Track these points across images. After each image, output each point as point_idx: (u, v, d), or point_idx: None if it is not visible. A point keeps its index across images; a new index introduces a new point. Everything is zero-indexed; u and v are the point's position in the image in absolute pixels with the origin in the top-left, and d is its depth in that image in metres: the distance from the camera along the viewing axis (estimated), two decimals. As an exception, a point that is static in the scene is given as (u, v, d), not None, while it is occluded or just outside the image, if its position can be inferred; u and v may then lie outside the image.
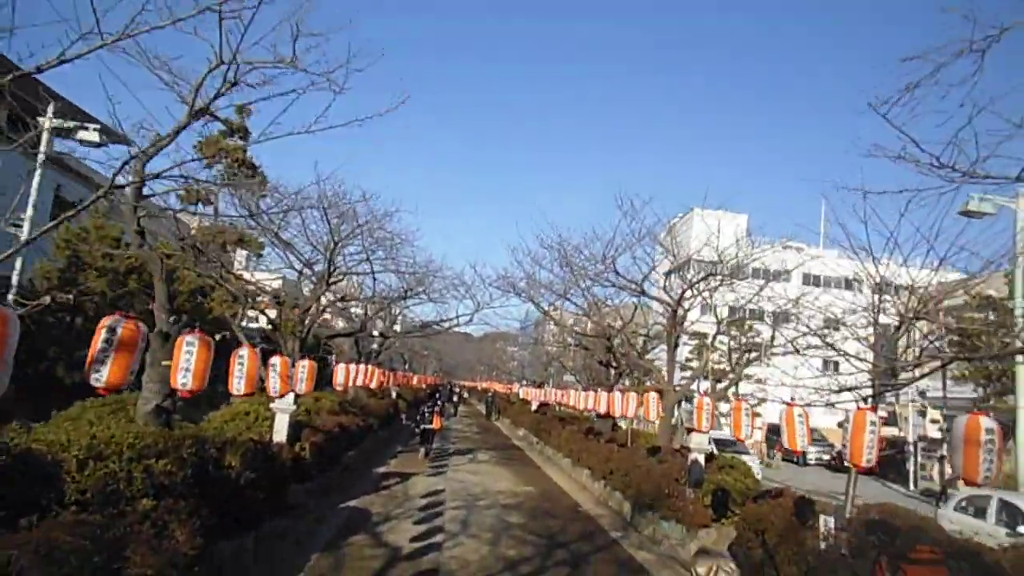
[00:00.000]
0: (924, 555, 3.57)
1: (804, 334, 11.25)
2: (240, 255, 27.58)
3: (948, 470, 22.77)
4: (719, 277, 14.78)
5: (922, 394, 30.18)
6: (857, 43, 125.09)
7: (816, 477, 26.19)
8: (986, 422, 4.80)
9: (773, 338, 13.77)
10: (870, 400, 7.22)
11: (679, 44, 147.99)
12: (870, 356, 8.39)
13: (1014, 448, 16.15)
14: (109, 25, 3.89)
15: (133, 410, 7.39)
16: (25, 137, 4.64)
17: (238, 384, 8.20)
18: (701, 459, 11.06)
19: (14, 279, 15.29)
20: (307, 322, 14.61)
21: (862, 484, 7.59)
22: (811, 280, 38.53)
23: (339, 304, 21.36)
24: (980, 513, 12.33)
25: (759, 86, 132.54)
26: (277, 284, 21.31)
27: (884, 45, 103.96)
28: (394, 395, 30.05)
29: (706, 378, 22.49)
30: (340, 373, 18.43)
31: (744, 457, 16.83)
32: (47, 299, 3.87)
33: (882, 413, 6.81)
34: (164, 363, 6.55)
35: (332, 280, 16.24)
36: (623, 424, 20.31)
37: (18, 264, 15.60)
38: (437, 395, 30.44)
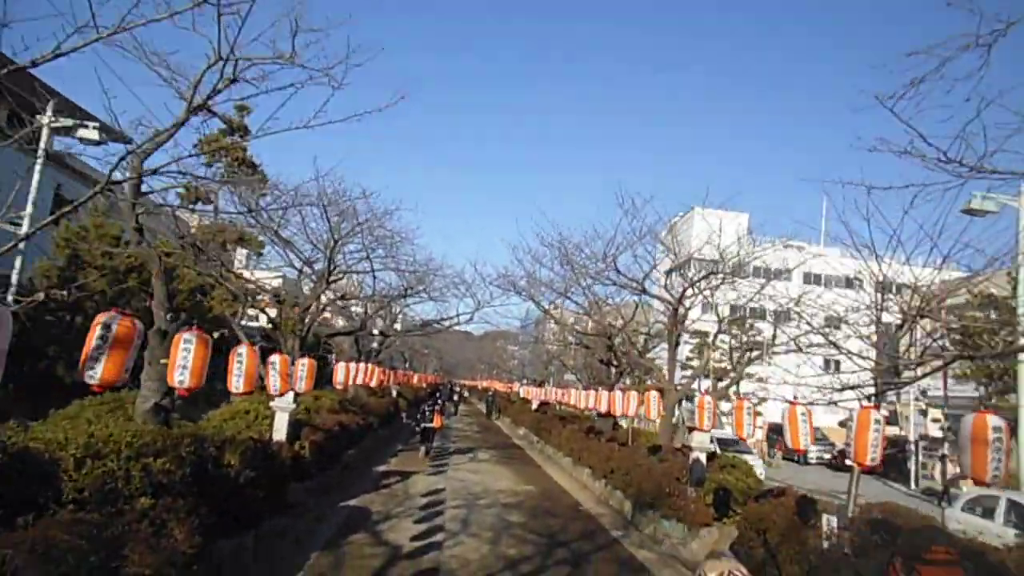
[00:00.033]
0: (939, 556, 3.52)
1: (806, 332, 11.21)
2: (240, 254, 27.56)
3: (950, 469, 22.70)
4: (720, 276, 14.74)
5: (923, 393, 30.13)
6: (857, 42, 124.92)
7: (817, 476, 26.13)
8: (993, 420, 4.75)
9: (775, 337, 13.74)
10: (873, 399, 7.17)
11: (679, 44, 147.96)
12: (872, 354, 8.35)
13: (1015, 447, 16.12)
14: (105, 19, 3.86)
15: (132, 408, 7.36)
16: (21, 133, 4.59)
17: (237, 382, 8.16)
18: (703, 458, 11.02)
19: (14, 278, 15.26)
20: (307, 321, 14.56)
21: (863, 483, 7.56)
22: (812, 279, 38.50)
23: (339, 303, 21.32)
24: (988, 513, 12.22)
25: (759, 85, 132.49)
26: (277, 282, 21.27)
27: (884, 44, 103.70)
28: (394, 394, 30.02)
29: (707, 377, 22.44)
30: (340, 372, 18.40)
31: (747, 457, 16.79)
32: (41, 295, 3.81)
33: (883, 412, 6.74)
34: (162, 361, 6.51)
35: (332, 278, 16.20)
36: (624, 423, 20.27)
37: (18, 263, 15.57)
38: (437, 394, 30.41)
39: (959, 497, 14.46)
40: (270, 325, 15.05)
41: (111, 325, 4.81)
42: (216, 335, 6.51)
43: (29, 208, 14.65)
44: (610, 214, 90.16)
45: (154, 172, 5.73)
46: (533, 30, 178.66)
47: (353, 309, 24.56)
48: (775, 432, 33.31)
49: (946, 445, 27.36)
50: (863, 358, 7.60)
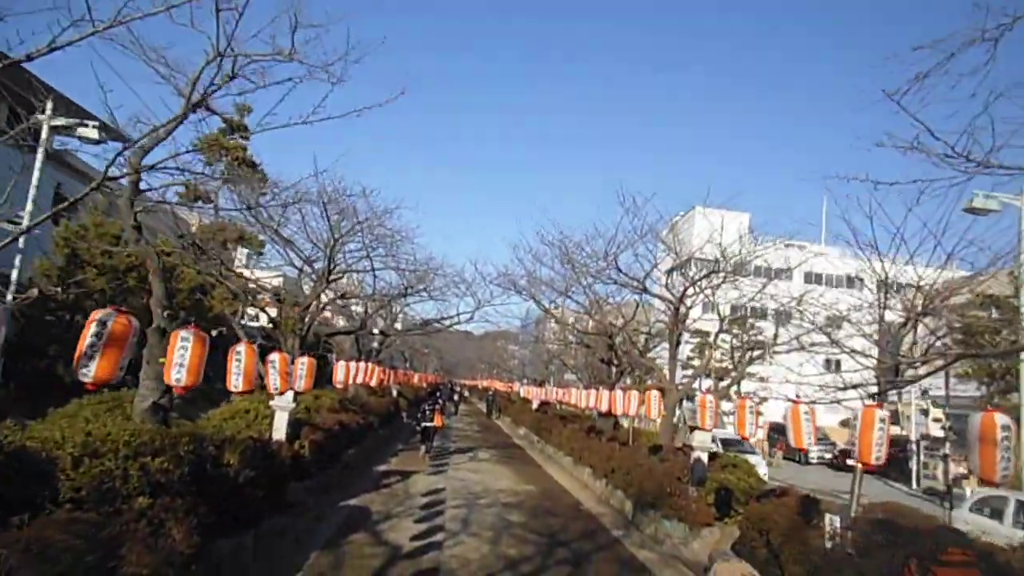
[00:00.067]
0: (955, 557, 3.47)
1: (808, 331, 11.16)
2: (241, 253, 27.54)
3: (953, 469, 22.64)
4: (722, 274, 14.70)
5: (924, 392, 30.06)
6: (857, 42, 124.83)
7: (818, 476, 26.09)
8: (1001, 419, 4.70)
9: (776, 336, 13.69)
10: (876, 398, 7.12)
11: (679, 44, 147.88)
12: (874, 353, 8.30)
13: (1017, 447, 16.04)
14: (101, 12, 3.81)
15: (130, 407, 7.31)
16: (18, 129, 4.55)
17: (236, 381, 8.11)
18: (704, 457, 10.97)
19: (13, 276, 15.23)
20: (307, 320, 14.52)
21: (864, 483, 7.50)
22: (813, 278, 38.47)
23: (339, 302, 21.28)
24: (996, 514, 12.06)
25: (759, 85, 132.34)
26: (277, 282, 21.24)
27: (883, 44, 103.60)
28: (395, 393, 29.98)
29: (708, 376, 22.39)
30: (340, 371, 18.36)
31: (750, 457, 16.72)
32: (35, 291, 3.76)
33: (887, 411, 6.70)
34: (161, 360, 6.46)
35: (332, 277, 16.15)
36: (625, 423, 20.22)
37: (17, 261, 15.54)
38: (438, 393, 30.36)
39: (967, 498, 14.27)
40: (270, 324, 15.02)
41: (106, 322, 4.76)
42: (215, 333, 6.46)
43: (29, 207, 14.62)
44: (610, 214, 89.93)
45: (152, 168, 5.69)
46: (533, 30, 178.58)
47: (353, 308, 24.51)
48: (776, 432, 33.28)
49: (947, 445, 27.31)
50: (866, 356, 7.55)
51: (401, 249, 18.74)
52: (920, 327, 8.86)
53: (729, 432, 22.98)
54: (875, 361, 7.89)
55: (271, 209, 14.05)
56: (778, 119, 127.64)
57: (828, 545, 6.87)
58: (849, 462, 29.39)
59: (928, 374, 8.72)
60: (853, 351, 7.84)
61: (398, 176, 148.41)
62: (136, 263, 17.07)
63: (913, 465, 27.44)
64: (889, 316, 8.91)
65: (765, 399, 27.94)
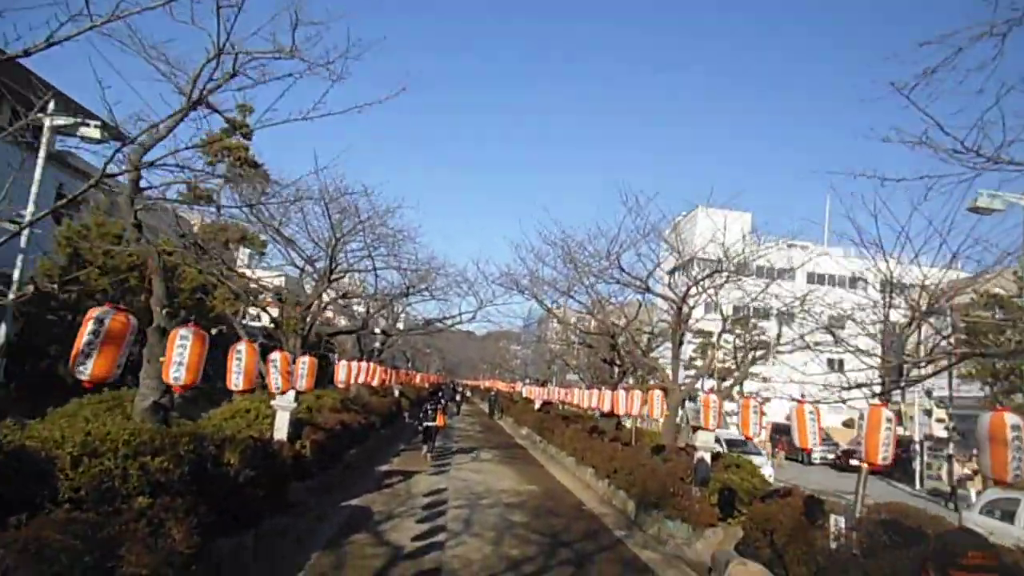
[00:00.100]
0: (975, 561, 3.40)
1: (812, 330, 11.10)
2: (243, 253, 27.54)
3: (957, 470, 22.54)
4: (724, 274, 14.64)
5: (928, 393, 29.96)
6: (857, 41, 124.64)
7: (821, 476, 26.02)
8: (1011, 418, 4.63)
9: (779, 335, 13.63)
10: (880, 397, 7.06)
11: (679, 44, 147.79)
12: (879, 353, 8.24)
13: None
14: (100, 7, 3.78)
15: (130, 407, 7.28)
16: (16, 126, 4.52)
17: (236, 380, 8.07)
18: (707, 457, 10.91)
19: (15, 275, 15.22)
20: (309, 319, 14.49)
21: (867, 483, 7.44)
22: (815, 279, 38.37)
23: (341, 301, 21.24)
24: (1008, 516, 11.79)
25: (759, 85, 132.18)
26: (279, 281, 21.21)
27: (883, 43, 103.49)
28: (397, 393, 29.95)
29: (711, 376, 22.33)
30: (342, 371, 18.33)
31: (756, 458, 16.64)
32: (31, 288, 3.73)
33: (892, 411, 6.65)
34: (161, 359, 6.43)
35: (334, 277, 16.12)
36: (627, 423, 20.16)
37: (19, 261, 15.53)
38: (440, 393, 30.31)
39: (976, 500, 14.02)
40: (272, 324, 14.99)
41: (104, 320, 4.71)
42: (215, 331, 6.42)
43: (31, 207, 14.61)
44: (610, 213, 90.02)
45: (151, 165, 5.65)
46: (533, 30, 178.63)
47: (355, 308, 24.48)
48: (778, 432, 33.18)
49: (951, 445, 27.22)
50: (870, 355, 7.49)
51: (403, 248, 18.73)
52: (924, 327, 8.80)
53: (734, 433, 22.90)
54: (879, 361, 7.82)
55: (272, 208, 14.02)
56: (778, 119, 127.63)
57: (833, 546, 6.81)
58: (852, 462, 29.38)
59: (933, 374, 8.66)
60: (859, 350, 7.77)
61: (398, 176, 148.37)
62: (138, 263, 17.05)
63: (917, 466, 27.35)
64: (893, 316, 8.85)
65: (768, 399, 27.85)
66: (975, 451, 24.06)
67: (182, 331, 5.80)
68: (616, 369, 19.61)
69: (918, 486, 26.51)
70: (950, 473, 23.95)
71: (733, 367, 21.96)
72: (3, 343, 15.21)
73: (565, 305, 23.49)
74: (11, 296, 14.82)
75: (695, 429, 13.54)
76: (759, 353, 16.12)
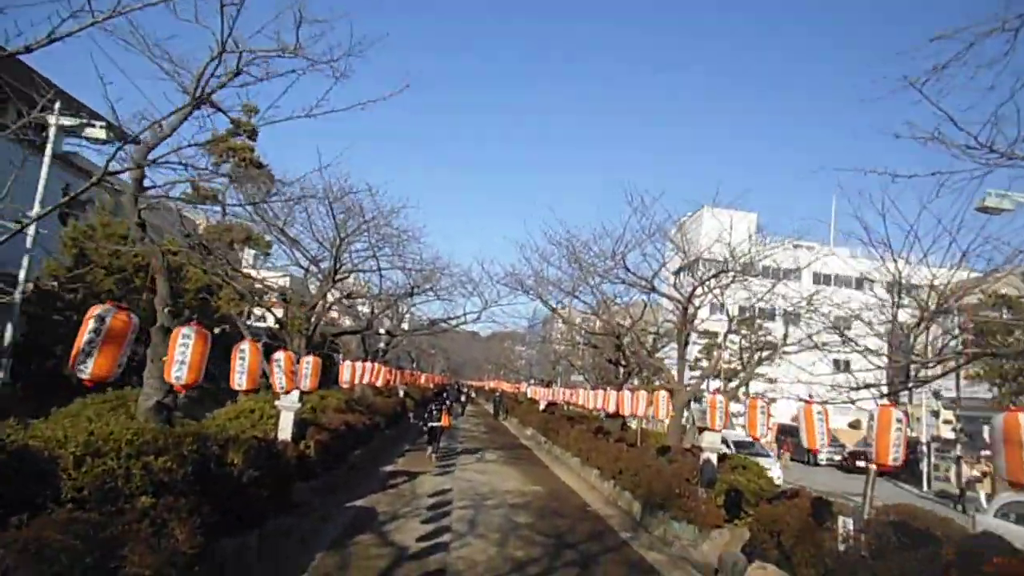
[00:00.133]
0: (1001, 568, 3.32)
1: (819, 331, 11.01)
2: (248, 254, 27.57)
3: (965, 471, 22.34)
4: (731, 274, 14.56)
5: (936, 394, 29.78)
6: (857, 42, 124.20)
7: (828, 477, 25.86)
8: (1027, 419, 4.54)
9: (786, 336, 13.54)
10: (889, 397, 6.98)
11: (679, 44, 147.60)
12: (886, 353, 8.16)
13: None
14: (102, 3, 3.75)
15: (134, 406, 7.26)
16: (18, 124, 4.50)
17: (239, 379, 8.05)
18: (713, 458, 10.83)
19: (21, 276, 15.27)
20: (313, 319, 14.47)
21: (875, 485, 7.35)
22: (821, 279, 38.18)
23: (345, 301, 21.24)
24: (1023, 520, 11.63)
25: (759, 85, 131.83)
26: (283, 282, 21.21)
27: (884, 43, 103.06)
28: (401, 394, 29.93)
29: (717, 377, 22.23)
30: (346, 371, 18.32)
31: (764, 460, 16.51)
32: (30, 285, 3.70)
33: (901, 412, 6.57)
34: (165, 359, 6.40)
35: (338, 277, 16.11)
36: (633, 424, 20.09)
37: (25, 262, 15.59)
38: (445, 394, 30.30)
39: (991, 502, 13.70)
40: (277, 325, 14.99)
41: (105, 318, 4.68)
42: (217, 330, 6.39)
43: (36, 208, 14.64)
44: (611, 213, 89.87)
45: (154, 162, 5.62)
46: (533, 30, 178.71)
47: (360, 308, 24.48)
48: (783, 433, 33.03)
49: (958, 447, 27.02)
50: (879, 355, 7.41)
51: (407, 249, 18.70)
52: (932, 327, 8.71)
53: (741, 434, 22.75)
54: (888, 361, 7.74)
55: (277, 208, 14.01)
56: (778, 119, 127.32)
57: (841, 547, 6.74)
58: (859, 464, 29.21)
59: (943, 374, 8.57)
60: (868, 350, 7.69)
61: (399, 176, 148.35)
62: (143, 263, 17.07)
63: (924, 467, 27.15)
64: (901, 316, 8.77)
65: (773, 400, 27.71)
66: (984, 453, 23.90)
67: (184, 330, 5.77)
68: (621, 370, 19.54)
69: (925, 488, 26.32)
70: (958, 475, 23.75)
71: (739, 368, 21.85)
72: (9, 343, 15.26)
73: (570, 305, 23.45)
74: (17, 295, 14.92)
75: (701, 430, 13.46)
76: (765, 354, 16.01)
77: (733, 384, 15.92)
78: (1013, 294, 21.15)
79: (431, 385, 48.68)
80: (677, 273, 16.88)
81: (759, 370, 21.38)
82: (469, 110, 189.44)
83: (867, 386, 7.67)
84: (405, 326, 30.62)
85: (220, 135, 24.72)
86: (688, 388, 15.21)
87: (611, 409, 18.11)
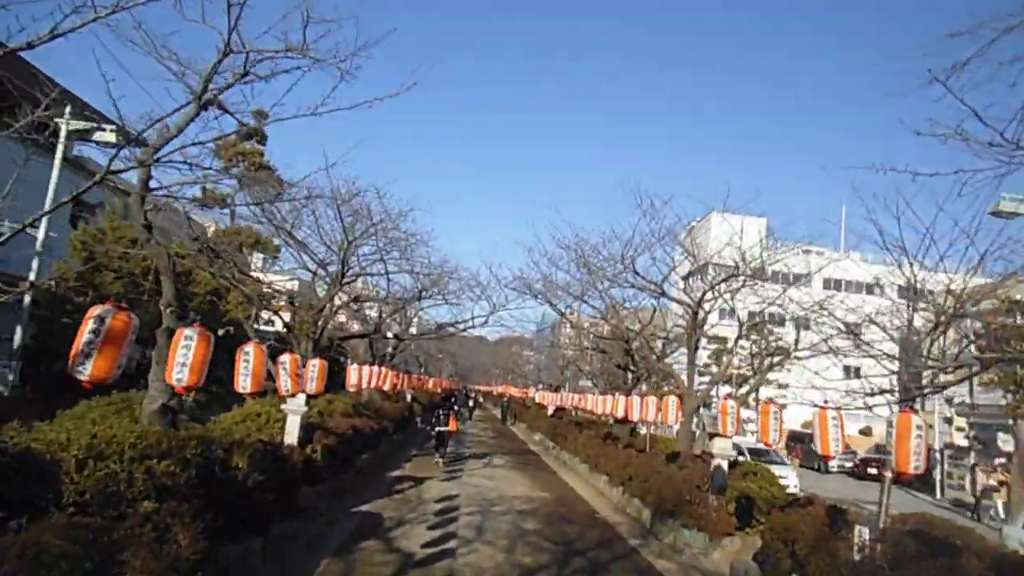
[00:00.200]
0: None
1: (831, 336, 10.84)
2: (257, 258, 27.64)
3: (981, 480, 22.00)
4: (741, 278, 14.41)
5: (949, 401, 29.40)
6: (862, 41, 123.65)
7: (839, 485, 25.55)
8: (1054, 425, 4.40)
9: (797, 341, 13.37)
10: (908, 404, 6.82)
11: (684, 43, 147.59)
12: (899, 358, 8.00)
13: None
14: (105, 0, 3.70)
15: (139, 409, 7.21)
16: (22, 123, 4.46)
17: (244, 382, 7.97)
18: (724, 465, 10.67)
19: (31, 278, 15.32)
20: (321, 323, 14.43)
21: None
22: (832, 284, 37.86)
23: (353, 305, 21.21)
24: None
25: (766, 83, 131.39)
26: (291, 285, 21.22)
27: (888, 43, 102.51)
28: (409, 398, 29.87)
29: (727, 383, 22.01)
30: (353, 374, 18.25)
31: (780, 468, 16.26)
32: (26, 285, 3.64)
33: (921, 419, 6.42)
34: (170, 361, 6.34)
35: (346, 280, 16.07)
36: (642, 429, 19.91)
37: (35, 264, 15.66)
38: (452, 398, 30.19)
39: (1019, 513, 13.37)
40: (285, 329, 14.96)
41: (105, 319, 4.61)
42: (221, 332, 6.33)
43: (47, 208, 14.69)
44: (616, 214, 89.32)
45: (158, 161, 5.57)
46: (536, 28, 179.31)
47: (368, 312, 24.46)
48: (793, 440, 32.70)
49: (972, 454, 26.65)
50: (895, 358, 7.26)
51: (415, 252, 18.64)
52: (949, 332, 8.54)
53: (750, 440, 22.49)
54: (904, 366, 7.59)
55: (285, 210, 13.99)
56: (786, 119, 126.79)
57: (857, 557, 6.59)
58: (871, 470, 28.83)
59: (961, 380, 8.40)
60: (885, 355, 7.53)
61: (402, 175, 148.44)
62: (152, 266, 17.09)
63: (937, 475, 26.78)
64: (916, 321, 8.61)
65: (784, 406, 27.43)
66: (999, 461, 23.53)
67: (187, 331, 5.70)
68: (630, 375, 19.38)
69: (939, 496, 25.96)
70: (973, 483, 23.40)
71: (749, 373, 21.64)
72: (19, 345, 15.32)
73: (579, 310, 23.31)
74: (27, 299, 14.97)
75: (711, 436, 13.29)
76: (776, 359, 15.83)
77: (744, 390, 15.73)
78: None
79: (439, 389, 48.59)
80: (687, 277, 16.75)
81: (770, 376, 21.17)
82: (470, 109, 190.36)
83: (882, 391, 7.51)
84: (413, 330, 30.58)
85: (229, 139, 24.85)
86: (698, 393, 15.04)
87: (620, 414, 17.93)
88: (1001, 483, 20.10)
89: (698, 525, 10.10)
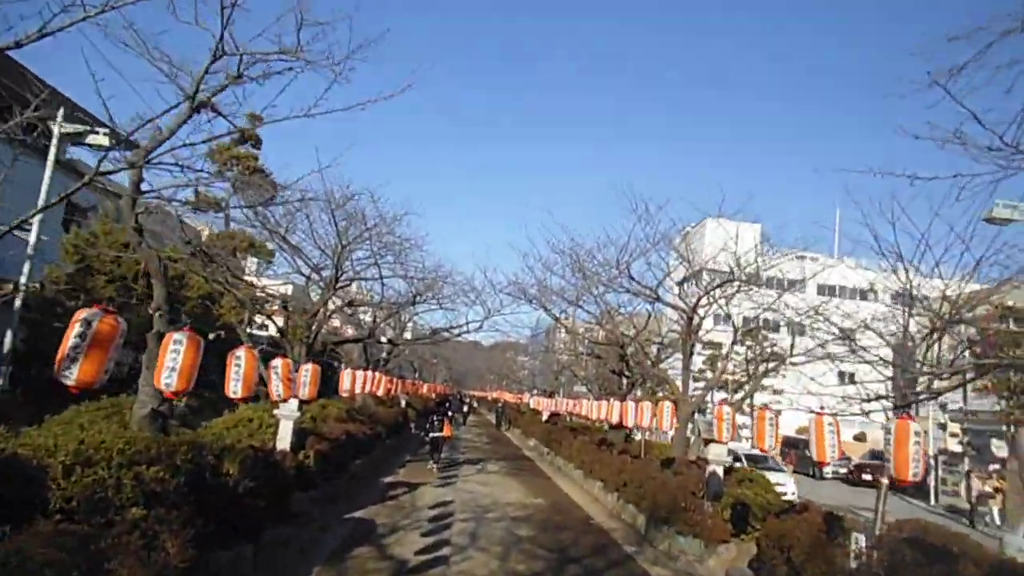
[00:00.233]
0: None
1: (826, 342, 10.82)
2: (251, 263, 27.52)
3: (976, 486, 22.01)
4: (736, 284, 14.41)
5: (943, 407, 29.46)
6: (859, 42, 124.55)
7: (833, 491, 25.53)
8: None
9: (792, 346, 13.36)
10: (904, 410, 6.80)
11: (682, 43, 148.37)
12: (895, 363, 7.98)
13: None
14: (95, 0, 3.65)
15: (129, 414, 7.12)
16: (10, 123, 4.40)
17: (234, 387, 7.88)
18: (720, 471, 10.63)
19: (22, 283, 15.20)
20: (314, 327, 14.34)
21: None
22: (826, 291, 37.96)
23: (347, 309, 21.12)
24: None
25: (761, 86, 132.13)
26: (285, 290, 21.12)
27: (884, 45, 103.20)
28: (403, 403, 29.73)
29: (722, 388, 21.99)
30: (347, 379, 18.14)
31: (778, 475, 16.16)
32: (10, 287, 3.57)
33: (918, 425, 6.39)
34: (160, 365, 6.26)
35: (340, 284, 15.99)
36: (637, 435, 19.86)
37: (26, 268, 15.54)
38: (447, 404, 30.06)
39: (1019, 522, 13.31)
40: (279, 334, 14.87)
41: (91, 322, 4.54)
42: (212, 337, 6.25)
43: (39, 215, 14.58)
44: (610, 216, 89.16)
45: (148, 162, 5.51)
46: (537, 28, 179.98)
47: (362, 317, 24.35)
48: (787, 445, 32.67)
49: (967, 460, 26.68)
50: (894, 365, 7.23)
51: (410, 257, 18.58)
52: (944, 338, 8.53)
53: (749, 447, 22.42)
54: (900, 372, 7.56)
55: (279, 214, 13.92)
56: (771, 122, 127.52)
57: (853, 564, 6.55)
58: (865, 477, 28.82)
59: (956, 387, 8.38)
60: (882, 360, 7.51)
61: (394, 178, 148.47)
62: (144, 271, 16.99)
63: (932, 481, 26.80)
64: (912, 326, 8.60)
65: (779, 412, 27.42)
66: (993, 467, 23.57)
67: (176, 335, 5.61)
68: (625, 380, 19.35)
69: (933, 502, 25.96)
70: (968, 489, 23.41)
71: (744, 379, 21.63)
72: (9, 349, 15.17)
73: (573, 315, 23.28)
74: (17, 303, 14.84)
75: (706, 442, 13.25)
76: (771, 365, 15.82)
77: (739, 395, 15.71)
78: (1020, 305, 20.94)
79: (433, 395, 48.42)
80: (682, 283, 16.74)
81: (764, 381, 21.17)
82: (463, 111, 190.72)
83: (878, 397, 7.49)
84: (407, 335, 30.48)
85: (224, 144, 24.76)
86: (693, 399, 15.01)
87: (615, 420, 17.90)
88: (996, 490, 20.13)
89: (693, 532, 10.04)
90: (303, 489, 10.00)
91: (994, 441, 26.39)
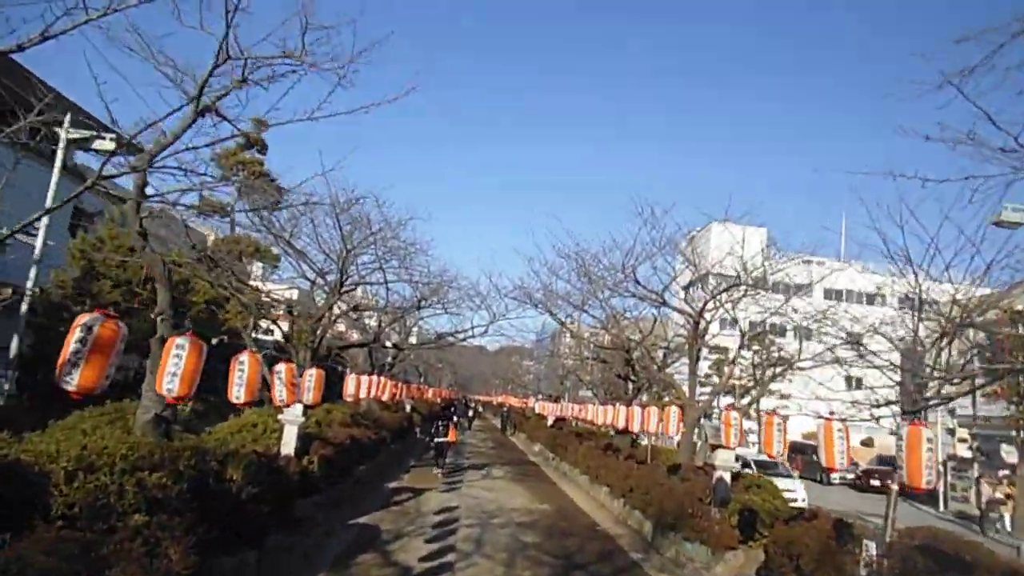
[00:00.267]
0: None
1: (835, 345, 10.73)
2: (257, 267, 27.57)
3: (986, 492, 21.78)
4: (742, 288, 14.33)
5: (951, 412, 29.21)
6: (862, 40, 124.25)
7: (841, 496, 25.34)
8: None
9: (800, 351, 13.27)
10: (915, 415, 6.71)
11: (681, 44, 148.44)
12: (903, 368, 7.89)
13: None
14: (97, 2, 3.64)
15: (133, 420, 7.09)
16: (13, 128, 4.39)
17: (238, 392, 7.84)
18: (727, 477, 10.53)
19: (28, 287, 15.24)
20: (319, 332, 14.32)
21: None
22: (833, 295, 37.75)
23: (352, 314, 21.10)
24: None
25: (760, 90, 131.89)
26: (290, 294, 21.13)
27: (891, 47, 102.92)
28: (408, 408, 29.68)
29: (729, 393, 21.85)
30: (352, 384, 18.11)
31: (788, 481, 16.00)
32: (9, 291, 3.55)
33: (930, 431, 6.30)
34: (164, 370, 6.22)
35: (345, 289, 15.98)
36: (643, 440, 19.75)
37: (32, 273, 15.58)
38: (452, 408, 30.00)
39: None
40: (283, 338, 14.87)
41: (92, 327, 4.51)
42: (215, 341, 6.22)
43: (45, 219, 14.63)
44: (609, 219, 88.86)
45: (151, 165, 5.49)
46: (536, 29, 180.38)
47: (367, 321, 24.34)
48: (793, 451, 32.46)
49: (976, 466, 26.43)
50: (903, 370, 7.14)
51: (415, 261, 18.55)
52: (954, 342, 8.43)
53: (756, 452, 22.26)
54: (909, 377, 7.47)
55: (283, 219, 13.93)
56: (776, 124, 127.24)
57: (864, 573, 6.45)
58: (873, 482, 28.57)
59: (967, 392, 8.28)
60: (891, 364, 7.42)
61: (399, 181, 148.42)
62: (150, 275, 17.01)
63: (941, 487, 26.56)
64: (922, 331, 8.50)
65: (787, 417, 27.24)
66: (1003, 473, 23.32)
67: (179, 340, 5.58)
68: (631, 385, 19.25)
69: (942, 508, 25.72)
70: (978, 495, 23.18)
71: (751, 384, 21.52)
72: (16, 354, 15.20)
73: (579, 319, 23.21)
74: (24, 307, 14.87)
75: (713, 447, 13.14)
76: (778, 369, 15.71)
77: (745, 400, 15.60)
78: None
79: (438, 399, 48.35)
80: (688, 287, 16.65)
81: (771, 386, 21.02)
82: (468, 112, 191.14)
83: (888, 403, 7.39)
84: (412, 340, 30.45)
85: (230, 149, 24.85)
86: (699, 404, 14.91)
87: (620, 425, 17.79)
88: (1007, 496, 19.92)
89: (700, 538, 9.94)
90: (307, 494, 9.96)
91: (1004, 446, 26.11)
